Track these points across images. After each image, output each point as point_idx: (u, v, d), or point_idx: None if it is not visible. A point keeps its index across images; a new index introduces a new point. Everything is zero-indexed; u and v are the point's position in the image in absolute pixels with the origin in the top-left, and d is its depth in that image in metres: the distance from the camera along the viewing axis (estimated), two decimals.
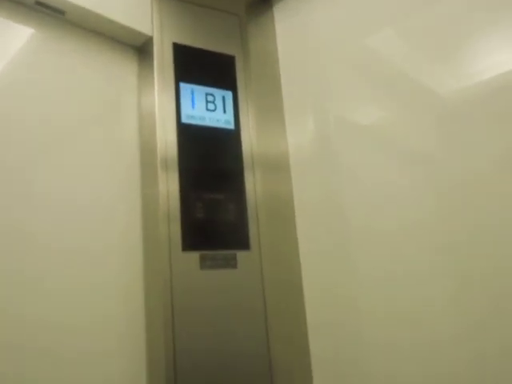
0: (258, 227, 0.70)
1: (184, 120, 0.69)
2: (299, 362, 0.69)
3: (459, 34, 0.74)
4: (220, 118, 0.73)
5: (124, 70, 0.73)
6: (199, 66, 0.74)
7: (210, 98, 0.73)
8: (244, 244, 0.67)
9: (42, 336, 0.56)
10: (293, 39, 0.85)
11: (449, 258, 0.71)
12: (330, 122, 0.86)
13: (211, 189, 0.68)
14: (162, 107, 0.68)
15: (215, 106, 0.73)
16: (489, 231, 0.68)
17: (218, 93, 0.74)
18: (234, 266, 0.66)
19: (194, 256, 0.63)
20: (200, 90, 0.72)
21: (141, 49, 0.74)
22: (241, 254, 0.67)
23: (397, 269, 0.73)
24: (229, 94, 0.75)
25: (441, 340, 0.66)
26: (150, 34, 0.71)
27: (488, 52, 0.74)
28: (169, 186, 0.65)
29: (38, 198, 0.60)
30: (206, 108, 0.72)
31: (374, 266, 0.75)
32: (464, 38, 0.74)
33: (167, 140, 0.66)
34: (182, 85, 0.70)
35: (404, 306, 0.70)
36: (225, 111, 0.74)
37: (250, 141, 0.75)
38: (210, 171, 0.69)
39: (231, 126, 0.74)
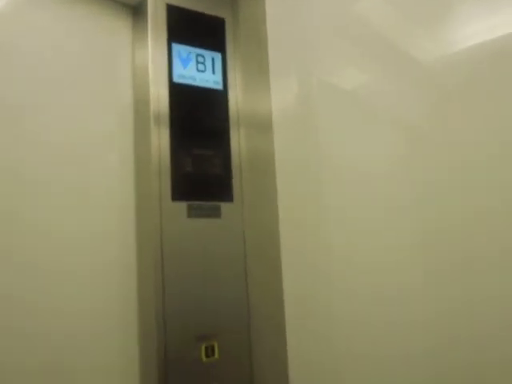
0: (241, 181, 0.77)
1: (176, 79, 0.74)
2: (274, 303, 0.77)
3: (442, 2, 0.78)
4: (209, 79, 0.78)
5: (118, 28, 0.76)
6: (191, 28, 0.77)
7: (201, 59, 0.77)
8: (228, 196, 0.74)
9: (40, 280, 0.63)
10: (280, 4, 0.88)
11: (427, 230, 0.79)
12: (313, 84, 0.91)
13: (199, 145, 0.74)
14: (155, 66, 0.72)
15: (205, 66, 0.77)
16: (462, 183, 0.75)
17: (208, 54, 0.78)
18: (218, 216, 0.73)
19: (182, 205, 0.70)
20: (191, 51, 0.76)
21: (135, 8, 0.77)
22: (224, 205, 0.74)
23: (369, 234, 0.82)
24: (218, 56, 0.79)
25: (416, 319, 0.76)
26: None
27: (469, 20, 0.79)
28: (160, 140, 0.70)
29: (31, 150, 0.65)
30: (197, 69, 0.76)
31: (347, 216, 0.83)
32: (446, 6, 0.78)
33: (160, 97, 0.71)
34: (174, 45, 0.74)
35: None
36: (214, 72, 0.78)
37: (237, 101, 0.80)
38: (198, 128, 0.74)
39: (220, 87, 0.78)
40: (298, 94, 0.90)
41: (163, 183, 0.69)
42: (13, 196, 0.62)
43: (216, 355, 0.69)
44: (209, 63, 0.78)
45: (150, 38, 0.72)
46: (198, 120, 0.75)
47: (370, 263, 0.81)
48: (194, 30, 0.78)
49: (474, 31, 0.76)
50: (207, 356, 0.68)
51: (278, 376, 0.71)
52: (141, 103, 0.73)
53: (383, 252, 0.82)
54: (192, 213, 0.70)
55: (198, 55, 0.77)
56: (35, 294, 0.62)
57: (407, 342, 0.77)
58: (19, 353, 0.59)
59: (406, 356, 0.76)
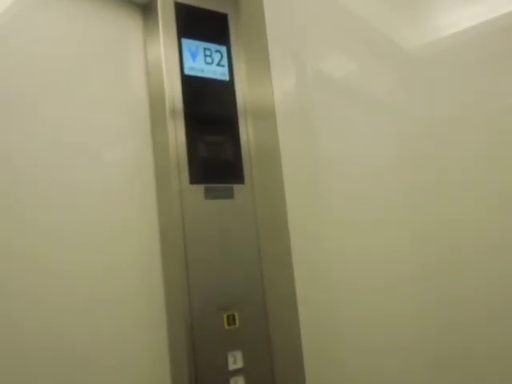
0: (250, 165, 0.83)
1: (186, 72, 0.79)
2: (285, 274, 0.84)
3: None
4: (216, 71, 0.83)
5: (130, 26, 0.81)
6: (197, 23, 0.83)
7: (208, 53, 0.83)
8: (239, 178, 0.80)
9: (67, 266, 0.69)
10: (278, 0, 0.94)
11: (412, 204, 0.86)
12: (309, 74, 0.97)
13: (211, 133, 0.80)
14: (168, 61, 0.78)
15: (212, 59, 0.83)
16: (449, 178, 0.82)
17: (214, 48, 0.84)
18: (232, 196, 0.79)
19: (200, 188, 0.76)
20: (199, 45, 0.82)
21: (145, 7, 0.82)
22: (237, 187, 0.80)
23: (364, 208, 0.89)
24: (223, 49, 0.85)
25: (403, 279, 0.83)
26: None
27: (450, 9, 0.85)
28: (176, 129, 0.76)
29: (48, 146, 0.70)
30: (205, 61, 0.82)
31: (347, 195, 0.90)
32: None
33: (173, 89, 0.77)
34: (184, 40, 0.80)
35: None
36: (220, 64, 0.84)
37: (243, 91, 0.86)
38: (210, 117, 0.80)
39: (226, 78, 0.84)
40: (296, 83, 0.96)
41: (181, 168, 0.75)
42: (29, 192, 0.67)
43: (237, 323, 0.75)
44: (215, 56, 0.84)
45: (161, 35, 0.78)
46: (209, 109, 0.81)
47: (373, 239, 0.88)
48: (201, 25, 0.83)
49: (452, 21, 0.82)
50: (229, 324, 0.75)
51: (291, 339, 0.79)
52: (156, 95, 0.79)
53: (384, 227, 0.89)
54: (208, 194, 0.77)
55: (205, 49, 0.83)
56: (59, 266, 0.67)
57: (405, 328, 0.84)
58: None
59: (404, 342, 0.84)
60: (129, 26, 0.82)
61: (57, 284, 0.67)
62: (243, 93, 0.86)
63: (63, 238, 0.68)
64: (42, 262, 0.66)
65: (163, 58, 0.77)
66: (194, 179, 0.75)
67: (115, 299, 0.71)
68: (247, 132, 0.84)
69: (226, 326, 0.75)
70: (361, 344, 0.85)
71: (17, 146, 0.67)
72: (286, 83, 0.96)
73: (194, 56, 0.81)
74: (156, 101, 0.79)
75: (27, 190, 0.67)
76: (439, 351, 0.84)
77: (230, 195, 0.79)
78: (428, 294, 0.83)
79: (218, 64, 0.84)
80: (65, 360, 0.66)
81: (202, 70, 0.81)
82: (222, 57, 0.84)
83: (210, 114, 0.81)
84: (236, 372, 0.74)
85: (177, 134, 0.76)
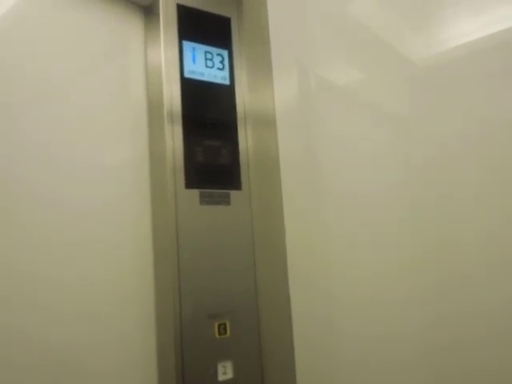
0: (248, 171, 0.81)
1: (186, 75, 0.78)
2: (279, 285, 0.82)
3: (431, 3, 0.84)
4: (217, 75, 0.82)
5: (131, 28, 0.81)
6: (199, 26, 0.82)
7: (209, 56, 0.82)
8: (236, 184, 0.79)
9: (56, 257, 0.67)
10: (282, 5, 0.93)
11: (417, 217, 0.85)
12: (311, 81, 0.96)
13: (209, 137, 0.78)
14: (168, 62, 0.77)
15: (213, 63, 0.82)
16: (456, 193, 0.81)
17: (216, 51, 0.83)
18: (228, 203, 0.77)
19: (195, 193, 0.75)
20: (200, 48, 0.81)
21: (147, 8, 0.82)
22: (233, 193, 0.78)
23: (364, 221, 0.87)
24: (225, 53, 0.84)
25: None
26: None
27: (457, 21, 0.84)
28: (174, 132, 0.75)
29: (39, 153, 0.68)
30: (205, 65, 0.81)
31: (347, 204, 0.89)
32: (435, 6, 0.83)
33: (172, 91, 0.76)
34: (185, 43, 0.79)
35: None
36: (221, 68, 0.83)
37: (243, 96, 0.85)
38: (208, 121, 0.79)
39: (227, 82, 0.83)
40: (298, 90, 0.95)
41: (177, 172, 0.73)
42: (23, 192, 0.66)
43: (228, 333, 0.73)
44: (216, 60, 0.82)
45: (162, 37, 0.77)
46: (208, 113, 0.79)
47: (371, 243, 0.86)
48: (203, 28, 0.82)
49: (459, 32, 0.81)
50: (220, 333, 0.73)
51: (284, 351, 0.77)
52: (155, 97, 0.78)
53: (383, 241, 0.87)
54: (204, 200, 0.75)
55: (206, 52, 0.81)
56: (50, 268, 0.66)
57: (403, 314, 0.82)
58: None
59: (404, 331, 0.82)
60: (130, 27, 0.81)
61: (45, 288, 0.65)
62: (243, 98, 0.85)
63: (55, 239, 0.67)
64: (30, 266, 0.64)
65: (163, 60, 0.76)
66: (190, 183, 0.74)
67: (104, 303, 0.69)
68: (246, 138, 0.83)
69: (217, 335, 0.73)
70: (357, 361, 0.84)
71: (14, 146, 0.66)
72: (288, 90, 0.95)
73: (194, 59, 0.79)
74: (154, 102, 0.78)
75: (21, 191, 0.65)
76: (440, 369, 0.82)
77: (226, 201, 0.77)
78: (429, 311, 0.82)
79: (219, 68, 0.83)
80: (53, 367, 0.64)
81: (203, 74, 0.80)
82: (223, 61, 0.83)
83: (208, 118, 0.79)
84: (226, 382, 0.72)
85: (174, 137, 0.75)
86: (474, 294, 0.83)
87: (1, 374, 0.59)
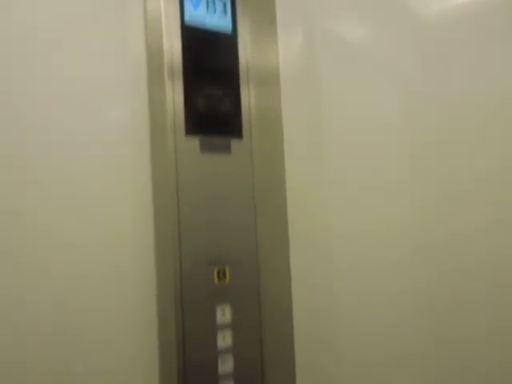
0: (250, 122, 0.81)
1: (187, 21, 0.77)
2: (279, 233, 0.82)
3: None
4: (219, 22, 0.80)
5: None
6: None
7: (211, 2, 0.80)
8: (237, 133, 0.78)
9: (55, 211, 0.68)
10: None
11: (418, 177, 0.85)
12: (317, 35, 0.94)
13: (211, 86, 0.78)
14: (168, 8, 0.75)
15: (215, 8, 0.80)
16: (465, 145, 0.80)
17: None
18: (229, 151, 0.77)
19: (195, 140, 0.74)
20: None
21: None
22: (234, 142, 0.78)
23: (368, 179, 0.87)
24: (228, 0, 0.82)
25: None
26: None
27: None
28: (174, 79, 0.74)
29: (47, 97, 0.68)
30: (207, 10, 0.79)
31: (348, 161, 0.88)
32: None
33: (172, 38, 0.75)
34: None
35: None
36: (224, 16, 0.81)
37: (246, 47, 0.83)
38: (210, 69, 0.78)
39: (229, 31, 0.82)
40: (303, 45, 0.93)
41: (177, 118, 0.73)
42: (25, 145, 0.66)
43: (227, 278, 0.74)
44: (219, 6, 0.81)
45: None
46: (209, 62, 0.78)
47: (375, 211, 0.87)
48: None
49: None
50: (219, 279, 0.74)
51: (282, 296, 0.78)
52: (154, 44, 0.76)
53: (386, 199, 0.87)
54: (204, 148, 0.75)
55: None
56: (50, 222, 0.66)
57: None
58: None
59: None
60: None
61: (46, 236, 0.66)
62: (246, 48, 0.83)
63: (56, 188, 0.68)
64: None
65: (162, 5, 0.74)
66: (190, 130, 0.74)
67: (102, 245, 0.70)
68: (248, 90, 0.82)
69: (216, 281, 0.74)
70: (355, 318, 0.85)
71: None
72: (293, 44, 0.93)
73: (195, 3, 0.78)
74: (154, 48, 0.76)
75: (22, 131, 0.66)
76: (440, 329, 0.84)
77: (227, 150, 0.77)
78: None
79: (221, 14, 0.81)
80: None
81: (204, 20, 0.79)
82: (225, 6, 0.81)
83: (210, 68, 0.78)
84: (224, 326, 0.74)
85: (174, 85, 0.74)
86: (475, 248, 0.83)
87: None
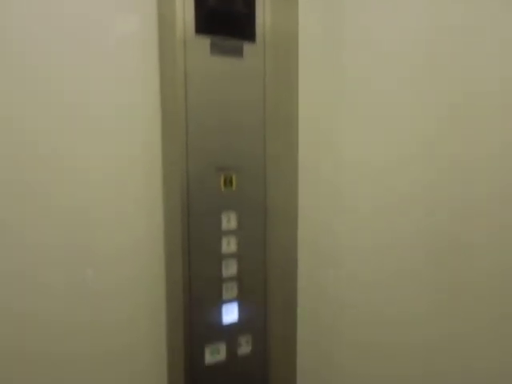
0: (264, 26, 0.76)
1: None
2: (288, 144, 0.81)
3: None
4: None
5: None
6: None
7: None
8: (250, 35, 0.74)
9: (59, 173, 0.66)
10: None
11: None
12: None
13: None
14: None
15: None
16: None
17: None
18: (240, 55, 0.73)
19: (206, 40, 0.70)
20: None
21: None
22: (246, 46, 0.74)
23: (377, 113, 0.84)
24: None
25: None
26: None
27: None
28: None
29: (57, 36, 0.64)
30: None
31: (362, 100, 0.85)
32: None
33: None
34: None
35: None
36: None
37: None
38: None
39: None
40: None
41: (187, 15, 0.69)
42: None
43: (234, 186, 0.74)
44: None
45: None
46: None
47: (383, 138, 0.84)
48: None
49: None
50: (226, 186, 0.73)
51: (288, 204, 0.79)
52: None
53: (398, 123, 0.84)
54: (215, 49, 0.71)
55: None
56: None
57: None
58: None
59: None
60: None
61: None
62: None
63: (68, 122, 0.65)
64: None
65: None
66: (200, 28, 0.70)
67: (110, 151, 0.69)
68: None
69: (223, 188, 0.73)
70: (356, 264, 0.86)
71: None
72: None
73: None
74: None
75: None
76: (441, 274, 0.84)
77: (238, 53, 0.73)
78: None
79: None
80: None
81: None
82: None
83: None
84: (229, 232, 0.74)
85: None
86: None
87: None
